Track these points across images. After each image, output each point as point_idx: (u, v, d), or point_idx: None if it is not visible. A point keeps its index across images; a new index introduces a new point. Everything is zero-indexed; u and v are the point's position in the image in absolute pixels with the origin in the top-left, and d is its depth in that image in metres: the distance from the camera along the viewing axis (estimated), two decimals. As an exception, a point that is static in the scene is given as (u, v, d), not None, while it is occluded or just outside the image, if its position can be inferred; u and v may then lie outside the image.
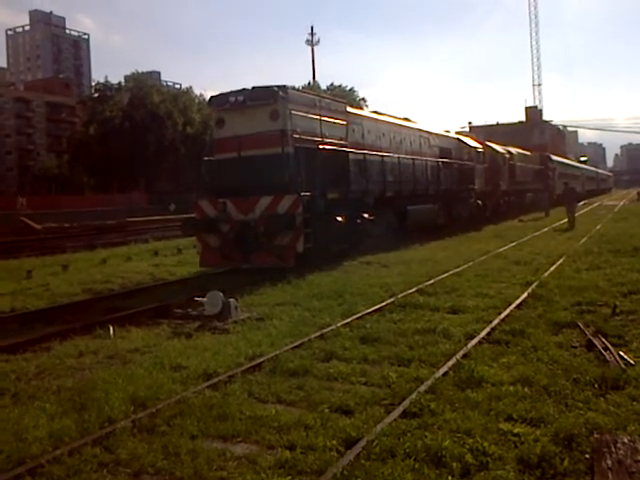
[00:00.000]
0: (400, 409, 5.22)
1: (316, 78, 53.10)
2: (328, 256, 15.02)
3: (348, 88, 64.79)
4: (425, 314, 9.19)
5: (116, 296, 12.20)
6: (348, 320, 8.75)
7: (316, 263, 14.17)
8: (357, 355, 7.07)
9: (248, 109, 14.66)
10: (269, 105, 14.42)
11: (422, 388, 5.70)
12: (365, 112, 20.53)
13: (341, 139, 16.43)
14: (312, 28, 47.89)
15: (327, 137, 15.62)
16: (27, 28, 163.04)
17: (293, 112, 14.49)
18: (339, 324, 8.48)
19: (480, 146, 30.32)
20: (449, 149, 25.94)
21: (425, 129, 24.04)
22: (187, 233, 17.92)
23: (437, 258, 15.82)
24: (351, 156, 16.63)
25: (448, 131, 28.81)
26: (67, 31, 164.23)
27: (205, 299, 9.53)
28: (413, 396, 5.49)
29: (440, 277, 12.40)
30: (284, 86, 14.76)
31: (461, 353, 6.80)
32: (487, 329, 7.91)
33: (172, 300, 10.89)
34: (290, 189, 13.93)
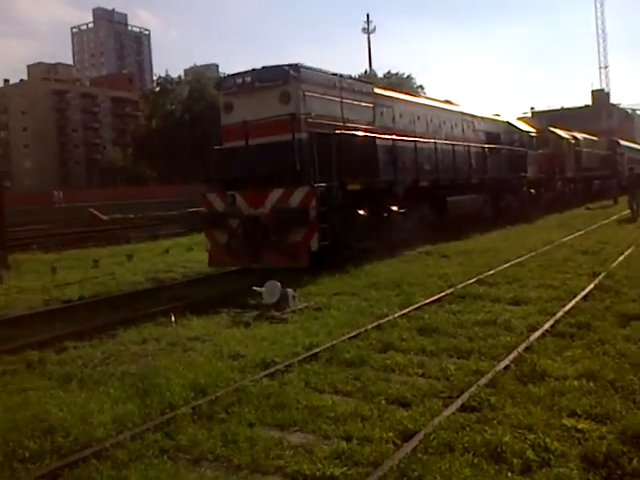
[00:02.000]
0: (459, 402, 5.13)
1: (372, 66, 52.72)
2: (350, 254, 13.46)
3: (405, 75, 64.04)
4: (485, 305, 9.02)
5: (178, 285, 12.45)
6: (406, 311, 8.68)
7: (335, 263, 12.80)
8: (415, 346, 7.00)
9: (257, 92, 13.28)
10: (279, 87, 13.02)
11: (482, 381, 5.59)
12: (397, 94, 18.38)
13: (367, 123, 14.96)
14: (368, 16, 47.59)
15: (350, 121, 14.18)
16: (91, 26, 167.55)
17: (307, 94, 13.07)
18: (396, 315, 8.42)
19: (533, 130, 28.17)
20: (497, 134, 24.02)
21: (469, 112, 22.29)
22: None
23: (498, 248, 15.50)
24: (378, 142, 14.91)
25: (498, 114, 27.09)
26: (129, 27, 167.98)
27: (263, 289, 9.61)
28: (472, 389, 5.39)
29: (501, 267, 12.16)
30: (296, 65, 13.17)
31: (523, 346, 6.64)
32: (551, 321, 7.69)
33: (231, 289, 11.03)
34: (303, 180, 12.55)
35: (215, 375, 6.13)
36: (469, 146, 20.50)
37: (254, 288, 9.78)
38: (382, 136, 15.18)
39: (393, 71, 66.31)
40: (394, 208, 15.05)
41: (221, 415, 5.24)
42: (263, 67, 13.43)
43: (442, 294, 9.79)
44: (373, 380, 5.95)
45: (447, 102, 21.93)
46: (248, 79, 13.40)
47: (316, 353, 6.84)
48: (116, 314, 9.71)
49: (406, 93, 20.00)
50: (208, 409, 5.34)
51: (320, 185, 12.57)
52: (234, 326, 8.64)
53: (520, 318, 8.03)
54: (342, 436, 4.72)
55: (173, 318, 8.94)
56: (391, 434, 4.63)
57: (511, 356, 6.30)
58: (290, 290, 9.56)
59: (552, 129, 32.35)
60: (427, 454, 4.23)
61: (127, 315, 9.43)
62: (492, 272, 11.60)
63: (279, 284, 9.52)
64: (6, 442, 4.78)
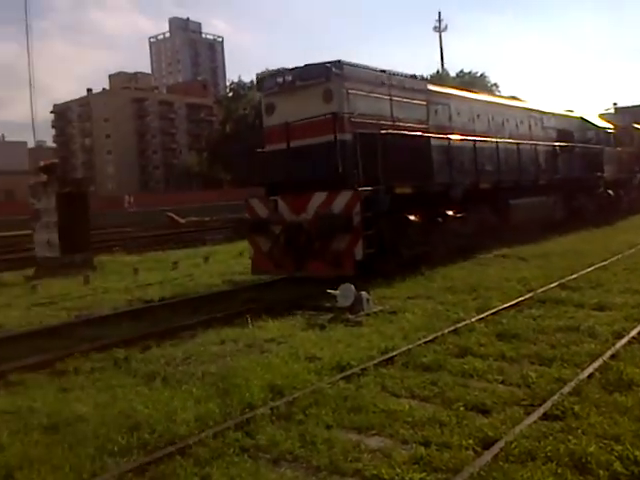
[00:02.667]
0: (541, 411, 5.01)
1: (445, 65, 52.00)
2: (400, 262, 12.63)
3: (479, 74, 62.81)
4: (568, 310, 8.77)
5: (253, 287, 12.66)
6: (483, 315, 8.54)
7: (384, 272, 11.99)
8: (493, 352, 6.88)
9: (298, 91, 12.61)
10: (321, 85, 12.27)
11: (565, 389, 5.43)
12: (454, 90, 17.29)
13: (420, 122, 14.08)
14: (439, 14, 47.04)
15: (400, 120, 13.36)
16: (167, 35, 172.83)
17: (351, 91, 12.32)
18: (474, 319, 8.30)
19: (611, 126, 26.12)
20: (569, 131, 22.64)
21: (536, 108, 20.95)
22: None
23: (580, 250, 15.00)
24: (432, 142, 14.05)
25: (571, 110, 25.63)
26: (203, 35, 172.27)
27: (337, 292, 9.65)
28: (555, 397, 5.25)
29: (584, 271, 11.76)
30: (339, 61, 12.37)
31: (609, 354, 6.41)
32: (638, 328, 7.40)
33: (306, 292, 11.13)
34: (346, 184, 11.81)
35: (292, 377, 6.21)
36: (536, 145, 19.33)
37: (329, 291, 9.84)
38: (437, 136, 14.39)
39: (466, 70, 65.12)
40: (450, 212, 14.22)
41: (299, 416, 5.31)
42: (306, 65, 12.74)
43: (521, 298, 9.57)
44: (451, 385, 5.89)
45: (512, 98, 21.03)
46: (289, 78, 12.79)
47: (392, 357, 6.82)
48: (195, 315, 9.97)
49: (467, 90, 18.80)
50: (286, 410, 5.42)
51: (365, 189, 11.83)
52: (309, 328, 8.72)
53: (605, 324, 7.76)
54: (420, 441, 4.70)
55: (249, 320, 9.09)
56: (470, 441, 4.58)
57: (596, 364, 6.10)
58: (364, 293, 9.56)
59: (637, 125, 30.76)
60: (508, 462, 4.16)
61: (205, 316, 9.67)
62: (574, 276, 11.26)
63: (353, 287, 9.54)
64: (97, 436, 5.02)
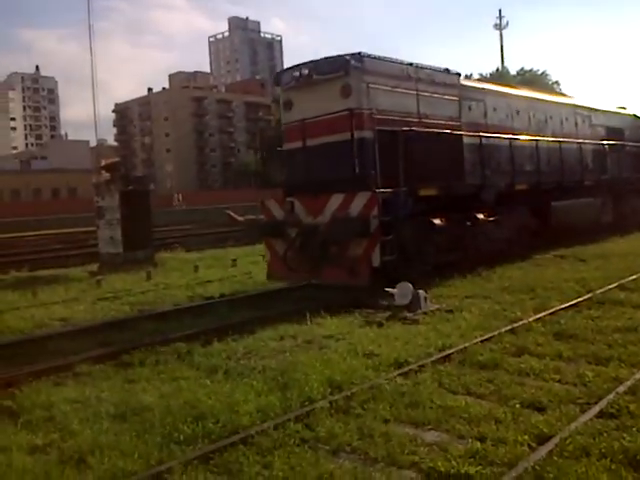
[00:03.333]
0: (596, 409, 5.06)
1: (505, 64, 51.15)
2: (426, 270, 11.81)
3: (540, 72, 61.45)
4: (626, 312, 8.68)
5: (310, 285, 12.85)
6: (541, 315, 8.54)
7: (411, 280, 10.28)
8: (550, 351, 6.90)
9: (317, 86, 11.85)
10: (340, 79, 11.49)
11: (621, 389, 5.46)
12: (489, 85, 16.06)
13: (450, 119, 13.14)
14: (500, 11, 46.40)
15: (428, 117, 12.50)
16: (226, 34, 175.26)
17: (372, 86, 11.46)
18: (531, 319, 8.31)
19: None
20: (620, 129, 21.20)
21: (583, 105, 19.79)
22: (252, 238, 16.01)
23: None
24: (464, 140, 13.17)
25: (624, 107, 24.30)
26: (262, 34, 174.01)
27: (395, 290, 9.78)
28: (611, 396, 5.29)
29: (644, 272, 11.54)
30: (359, 53, 11.59)
31: (668, 354, 6.38)
32: (698, 329, 7.28)
33: (363, 290, 11.25)
34: (364, 185, 10.98)
35: (350, 372, 6.38)
36: (582, 143, 18.15)
37: (386, 289, 9.97)
38: (468, 133, 13.44)
39: (527, 67, 63.86)
40: (480, 216, 13.17)
41: (357, 410, 5.48)
42: (323, 58, 12.00)
43: (579, 299, 9.51)
44: (507, 383, 5.96)
45: (560, 94, 20.53)
46: (305, 72, 12.00)
47: (449, 354, 6.93)
48: (254, 311, 10.24)
49: (509, 86, 17.70)
50: (344, 404, 5.60)
51: (384, 190, 10.94)
52: (367, 326, 8.88)
53: (665, 325, 7.67)
54: (476, 436, 4.80)
55: (308, 317, 9.30)
56: (526, 437, 4.66)
57: (654, 365, 6.08)
58: (422, 292, 9.66)
59: None
60: (563, 458, 4.23)
61: (265, 313, 9.93)
62: (634, 277, 11.07)
63: (411, 286, 9.66)
64: (163, 425, 5.29)
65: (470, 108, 13.94)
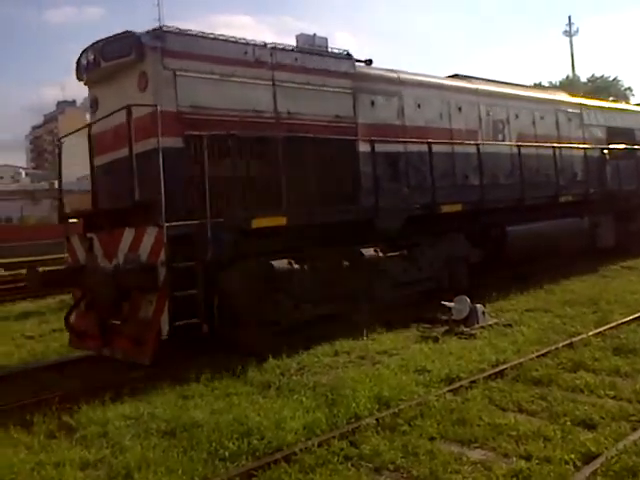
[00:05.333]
0: (649, 426, 4.85)
1: (575, 71, 49.75)
2: (265, 338, 8.56)
3: (611, 78, 59.40)
4: (694, 325, 8.27)
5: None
6: (601, 329, 8.27)
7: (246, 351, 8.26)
8: (607, 367, 6.69)
9: (114, 75, 8.86)
10: (134, 65, 8.46)
11: (679, 406, 5.20)
12: (409, 73, 11.88)
13: (338, 118, 9.90)
14: (570, 18, 45.20)
15: (293, 115, 9.40)
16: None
17: (182, 74, 8.36)
18: (590, 333, 8.06)
19: None
20: (629, 129, 17.37)
21: (569, 100, 16.00)
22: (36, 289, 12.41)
23: None
24: (360, 147, 10.07)
25: (614, 100, 21.29)
26: (329, 49, 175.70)
27: (453, 304, 9.65)
28: (666, 414, 5.05)
29: None
30: (160, 28, 8.57)
31: None
32: None
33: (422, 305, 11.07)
34: (153, 216, 7.83)
35: (399, 388, 6.34)
36: (562, 148, 14.40)
37: (443, 303, 9.84)
38: (371, 138, 10.21)
39: (597, 74, 61.96)
40: (369, 251, 9.64)
41: (403, 427, 5.44)
42: (111, 36, 8.87)
43: (644, 312, 9.11)
44: (560, 400, 5.81)
45: (536, 88, 16.94)
46: (91, 57, 8.97)
47: (502, 370, 6.79)
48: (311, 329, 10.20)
49: (491, 82, 14.20)
50: (391, 421, 5.57)
51: (179, 223, 7.81)
52: (422, 341, 8.78)
53: None
54: (522, 455, 4.70)
55: (365, 332, 9.26)
56: (573, 455, 4.53)
57: None
58: (479, 306, 9.51)
59: None
60: (607, 477, 4.08)
61: (321, 330, 9.89)
62: None
63: (468, 299, 9.51)
64: (210, 442, 5.38)
65: (374, 104, 10.58)
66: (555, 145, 14.14)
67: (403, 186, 10.82)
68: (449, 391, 6.22)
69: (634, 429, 4.90)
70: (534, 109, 14.23)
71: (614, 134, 16.48)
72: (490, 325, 9.24)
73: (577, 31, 45.59)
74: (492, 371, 6.78)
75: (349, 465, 4.84)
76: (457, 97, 12.40)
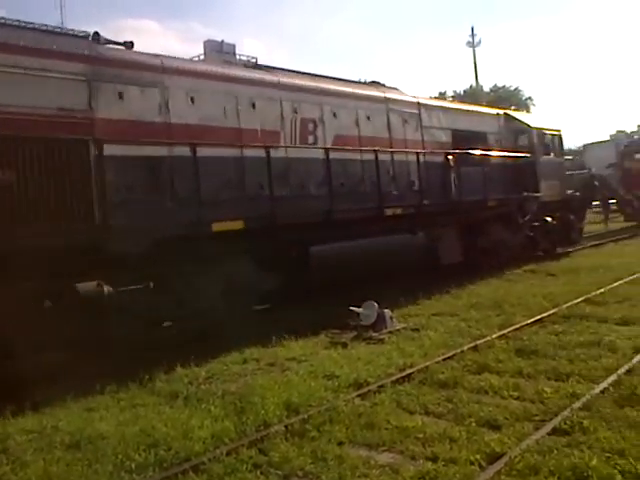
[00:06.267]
0: (549, 426, 5.06)
1: (479, 80, 51.82)
2: None
3: (513, 88, 62.21)
4: (591, 326, 8.74)
5: (275, 308, 12.66)
6: (505, 331, 8.57)
7: None
8: (511, 368, 6.92)
9: None
10: None
11: (576, 405, 5.47)
12: (184, 59, 10.69)
13: (62, 112, 7.77)
14: (472, 29, 46.99)
15: None
16: (202, 57, 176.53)
17: None
18: (494, 335, 8.33)
19: (557, 128, 18.88)
20: (481, 133, 15.80)
21: (405, 99, 13.80)
22: None
23: (610, 265, 14.74)
24: (101, 149, 7.89)
25: (515, 109, 21.48)
26: (238, 56, 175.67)
27: (361, 309, 9.74)
28: (565, 413, 5.29)
29: (612, 285, 11.64)
30: None
31: (624, 368, 6.39)
32: (658, 342, 7.22)
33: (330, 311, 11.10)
34: None
35: (309, 395, 6.32)
36: (385, 152, 12.37)
37: (351, 308, 9.92)
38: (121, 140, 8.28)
39: (500, 84, 64.75)
40: (87, 287, 7.57)
41: (312, 433, 5.42)
42: None
43: (545, 314, 9.55)
44: (465, 402, 5.95)
45: (365, 85, 14.27)
46: None
47: (410, 374, 6.91)
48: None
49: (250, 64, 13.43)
50: (300, 427, 5.53)
51: None
52: (331, 347, 8.81)
53: (626, 339, 7.76)
54: (429, 457, 4.78)
55: (273, 340, 9.20)
56: (478, 456, 4.64)
57: (610, 379, 6.10)
58: (387, 311, 9.64)
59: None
60: (511, 476, 4.21)
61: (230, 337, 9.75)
62: (601, 290, 11.15)
63: (376, 305, 9.63)
64: (115, 454, 5.17)
65: (123, 96, 8.58)
66: (377, 149, 12.00)
67: (166, 199, 8.72)
68: (358, 396, 6.26)
69: (537, 429, 5.07)
70: (358, 107, 12.30)
71: (462, 138, 14.68)
72: (398, 330, 9.38)
73: (480, 42, 47.35)
74: (400, 375, 6.87)
75: (258, 473, 4.78)
76: (250, 91, 10.26)
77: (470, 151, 14.51)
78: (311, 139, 11.25)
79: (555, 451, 4.55)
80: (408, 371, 6.97)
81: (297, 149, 10.94)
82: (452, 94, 52.44)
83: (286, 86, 11.00)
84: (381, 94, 13.30)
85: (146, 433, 5.59)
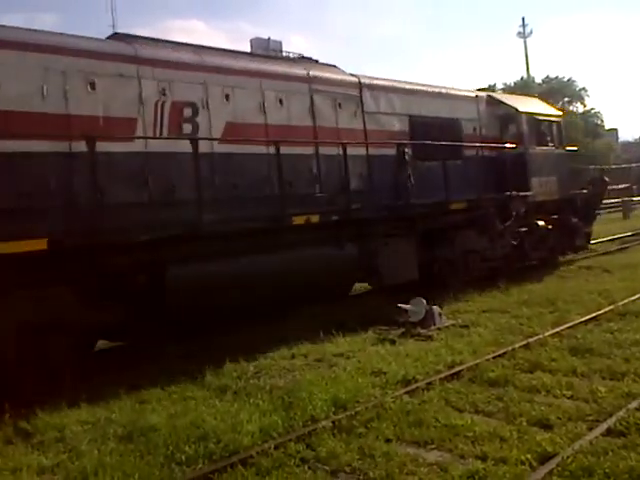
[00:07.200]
0: (604, 426, 4.93)
1: (530, 72, 50.69)
2: None
3: (566, 79, 60.51)
4: (648, 323, 8.45)
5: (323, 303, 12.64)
6: (558, 329, 8.38)
7: None
8: (564, 367, 6.76)
9: None
10: None
11: (632, 405, 5.31)
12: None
13: None
14: (523, 19, 46.20)
15: None
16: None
17: None
18: (547, 333, 8.15)
19: (557, 113, 16.42)
20: (451, 121, 13.07)
21: (339, 78, 11.22)
22: None
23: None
24: None
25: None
26: (284, 54, 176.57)
27: (409, 306, 9.67)
28: (621, 413, 5.13)
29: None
30: None
31: (683, 368, 6.16)
32: None
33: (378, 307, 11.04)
34: None
35: (356, 391, 6.31)
36: (295, 143, 9.93)
37: (400, 305, 9.85)
38: None
39: (552, 75, 63.06)
40: None
41: (360, 429, 5.41)
42: None
43: (600, 312, 9.30)
44: (516, 401, 5.84)
45: (291, 60, 12.35)
46: None
47: (459, 371, 6.83)
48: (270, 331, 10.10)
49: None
50: (348, 423, 5.53)
51: None
52: (379, 343, 8.76)
53: (685, 337, 7.45)
54: (478, 456, 4.71)
55: (322, 335, 9.21)
56: (529, 456, 4.55)
57: (669, 378, 5.88)
58: (436, 307, 9.54)
59: None
60: (563, 477, 4.11)
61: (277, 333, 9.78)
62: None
63: (425, 301, 9.54)
64: (166, 446, 5.27)
65: None
66: (278, 141, 9.35)
67: None
68: (405, 393, 6.22)
69: (590, 429, 4.95)
70: (266, 88, 9.80)
71: (424, 126, 12.13)
72: (447, 326, 9.29)
73: (531, 32, 46.69)
74: (448, 372, 6.81)
75: (305, 468, 4.79)
76: (86, 65, 7.98)
77: (432, 142, 11.75)
78: (187, 128, 8.84)
79: (610, 453, 4.42)
80: (457, 369, 6.90)
81: (164, 142, 8.57)
82: (502, 86, 51.35)
83: (148, 60, 8.56)
84: (302, 71, 10.59)
85: (196, 426, 5.66)
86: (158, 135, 8.54)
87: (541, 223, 14.30)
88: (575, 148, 17.13)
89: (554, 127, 15.44)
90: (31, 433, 5.96)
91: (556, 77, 60.75)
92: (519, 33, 46.42)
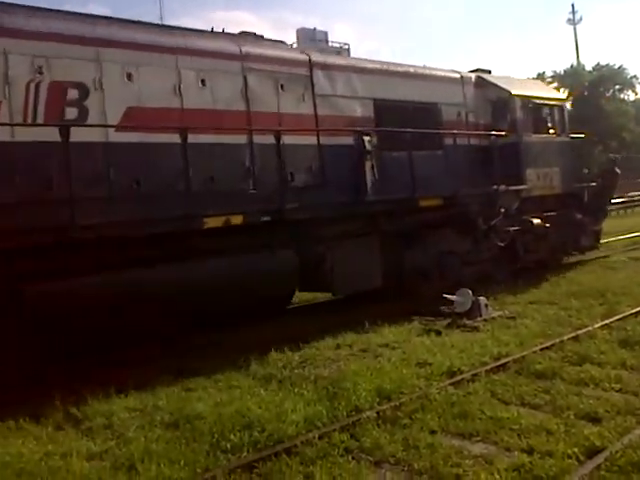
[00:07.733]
0: (655, 420, 4.79)
1: (580, 59, 49.34)
2: None
3: (617, 66, 58.62)
4: (702, 316, 8.20)
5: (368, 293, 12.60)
6: (608, 321, 8.20)
7: None
8: (613, 360, 6.63)
9: None
10: None
11: (685, 399, 5.14)
12: None
13: None
14: (573, 6, 45.08)
15: None
16: (295, 46, 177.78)
17: None
18: (596, 325, 7.99)
19: (558, 96, 15.40)
20: (430, 106, 11.64)
21: (282, 55, 9.85)
22: None
23: None
24: None
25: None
26: (330, 43, 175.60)
27: (455, 297, 9.58)
28: (672, 407, 4.99)
29: None
30: None
31: None
32: None
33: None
34: None
35: (401, 382, 6.30)
36: (230, 131, 8.76)
37: (445, 296, 9.76)
38: None
39: (603, 63, 61.23)
40: None
41: (404, 420, 5.40)
42: None
43: (651, 304, 9.04)
44: (564, 394, 5.76)
45: (220, 34, 9.62)
46: None
47: (505, 363, 6.76)
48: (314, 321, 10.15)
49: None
50: (392, 414, 5.53)
51: None
52: (424, 334, 8.72)
53: None
54: (524, 449, 4.66)
55: (367, 325, 9.21)
56: (576, 449, 4.48)
57: None
58: (482, 298, 9.44)
59: None
60: (612, 472, 4.03)
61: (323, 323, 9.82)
62: None
63: (471, 292, 9.44)
64: (212, 434, 5.36)
65: None
66: (188, 127, 7.91)
67: None
68: (451, 384, 6.19)
69: None
70: (183, 67, 8.43)
71: (393, 112, 10.70)
72: (493, 318, 9.19)
73: (581, 19, 45.56)
74: (494, 364, 6.74)
75: (349, 458, 4.80)
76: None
77: (400, 130, 10.36)
78: (72, 113, 7.41)
79: (661, 448, 4.32)
80: (503, 360, 6.83)
81: (39, 130, 7.08)
82: (551, 74, 50.09)
83: (17, 32, 7.07)
84: (233, 47, 9.12)
85: (241, 414, 5.73)
86: (30, 122, 7.07)
87: (536, 221, 12.54)
88: (581, 135, 15.20)
89: (556, 112, 13.76)
90: (80, 419, 6.11)
91: (607, 64, 58.85)
92: (569, 20, 45.46)
